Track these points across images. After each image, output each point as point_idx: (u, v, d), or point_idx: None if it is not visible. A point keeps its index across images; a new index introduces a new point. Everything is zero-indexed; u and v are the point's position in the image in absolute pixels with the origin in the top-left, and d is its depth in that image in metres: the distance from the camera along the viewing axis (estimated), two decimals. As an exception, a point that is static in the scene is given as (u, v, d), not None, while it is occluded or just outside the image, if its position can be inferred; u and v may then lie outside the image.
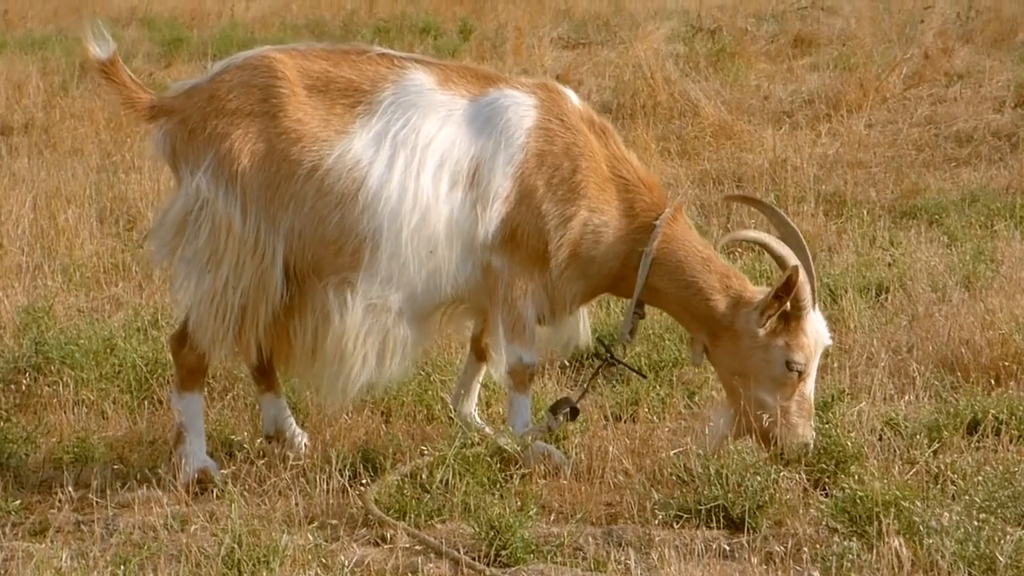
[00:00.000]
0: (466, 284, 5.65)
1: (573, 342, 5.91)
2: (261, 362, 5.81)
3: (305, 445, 5.84)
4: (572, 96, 5.82)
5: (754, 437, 5.52)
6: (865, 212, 9.23)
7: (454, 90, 5.65)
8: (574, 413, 5.81)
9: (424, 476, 5.36)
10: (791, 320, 5.52)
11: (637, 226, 5.69)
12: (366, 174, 5.50)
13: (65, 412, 6.26)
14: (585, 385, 6.10)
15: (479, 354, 6.04)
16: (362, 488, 5.35)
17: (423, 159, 5.53)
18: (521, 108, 5.65)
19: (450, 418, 5.96)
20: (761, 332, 5.54)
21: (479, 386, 6.12)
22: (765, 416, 5.52)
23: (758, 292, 5.63)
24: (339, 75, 5.62)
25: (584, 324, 5.95)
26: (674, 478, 5.44)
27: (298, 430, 5.93)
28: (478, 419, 6.03)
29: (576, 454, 5.73)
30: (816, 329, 5.57)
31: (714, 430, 5.65)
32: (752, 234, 5.93)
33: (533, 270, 5.64)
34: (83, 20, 5.62)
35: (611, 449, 5.73)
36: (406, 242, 5.49)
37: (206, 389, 6.46)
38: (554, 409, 5.80)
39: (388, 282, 5.54)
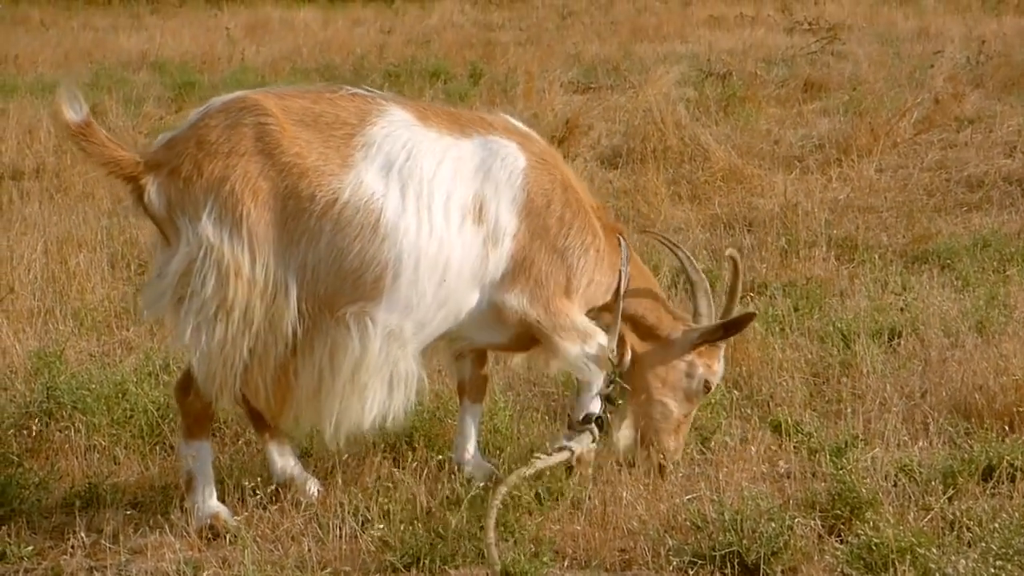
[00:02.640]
0: (469, 317, 5.72)
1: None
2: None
3: (317, 491, 5.83)
4: (534, 133, 6.04)
5: (641, 442, 6.06)
6: (877, 257, 9.22)
7: (436, 127, 5.69)
8: (599, 423, 5.99)
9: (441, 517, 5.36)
10: (712, 347, 6.13)
11: (611, 245, 6.03)
12: (382, 206, 5.46)
13: (77, 457, 6.24)
14: (604, 400, 6.05)
15: (471, 395, 6.13)
16: (375, 532, 5.33)
17: (431, 191, 5.55)
18: (510, 150, 5.75)
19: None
20: (691, 351, 6.09)
21: (478, 426, 6.17)
22: (663, 425, 6.08)
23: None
24: (322, 111, 5.58)
25: None
26: (688, 524, 5.42)
27: (309, 476, 5.91)
28: (483, 460, 6.07)
29: (590, 500, 5.71)
30: (723, 360, 6.22)
31: (623, 434, 6.06)
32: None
33: (564, 298, 5.84)
34: (59, 83, 5.50)
35: (625, 495, 5.72)
36: (425, 271, 5.51)
37: (218, 434, 6.48)
38: (585, 420, 5.97)
39: (405, 310, 5.54)
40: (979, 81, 15.53)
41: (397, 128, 5.60)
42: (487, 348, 6.04)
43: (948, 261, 9.14)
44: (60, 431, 6.45)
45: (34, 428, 6.42)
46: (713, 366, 6.13)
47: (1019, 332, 7.43)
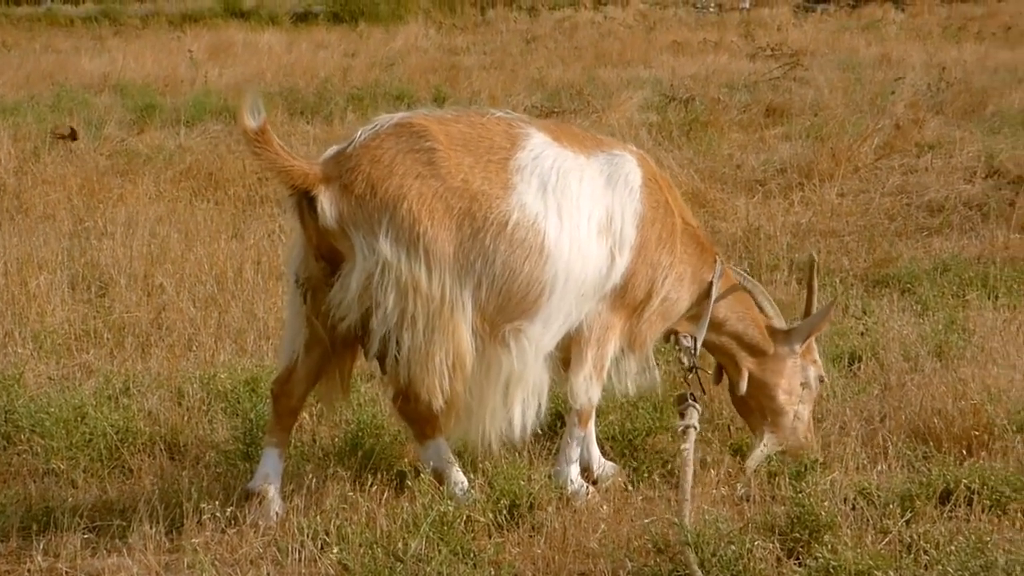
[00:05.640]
0: (580, 323, 5.98)
1: (646, 381, 6.36)
2: (296, 411, 5.97)
3: (277, 514, 5.81)
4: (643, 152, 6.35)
5: (790, 452, 6.36)
6: (838, 281, 9.25)
7: (568, 147, 5.92)
8: (693, 398, 6.34)
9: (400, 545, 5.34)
10: (808, 343, 6.47)
11: (704, 264, 6.28)
12: (545, 226, 5.70)
13: (35, 481, 6.21)
14: (691, 381, 6.36)
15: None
16: (333, 555, 5.31)
17: (579, 208, 5.80)
18: (631, 166, 6.05)
19: (419, 491, 5.94)
20: (798, 354, 6.42)
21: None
22: (800, 427, 6.42)
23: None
24: (477, 135, 5.77)
25: None
26: (648, 546, 5.42)
27: (279, 499, 5.88)
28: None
29: (549, 523, 5.71)
30: (816, 349, 6.57)
31: (757, 454, 6.31)
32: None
33: (623, 315, 6.06)
34: (241, 91, 5.62)
35: (585, 517, 5.72)
36: (571, 287, 5.77)
37: (176, 456, 6.46)
38: (681, 400, 6.36)
39: (547, 323, 5.79)
40: (939, 107, 15.62)
41: (542, 150, 5.83)
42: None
43: (908, 285, 9.19)
44: (18, 455, 6.42)
45: (-8, 451, 6.40)
46: (817, 359, 6.52)
47: (977, 357, 7.46)
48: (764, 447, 6.34)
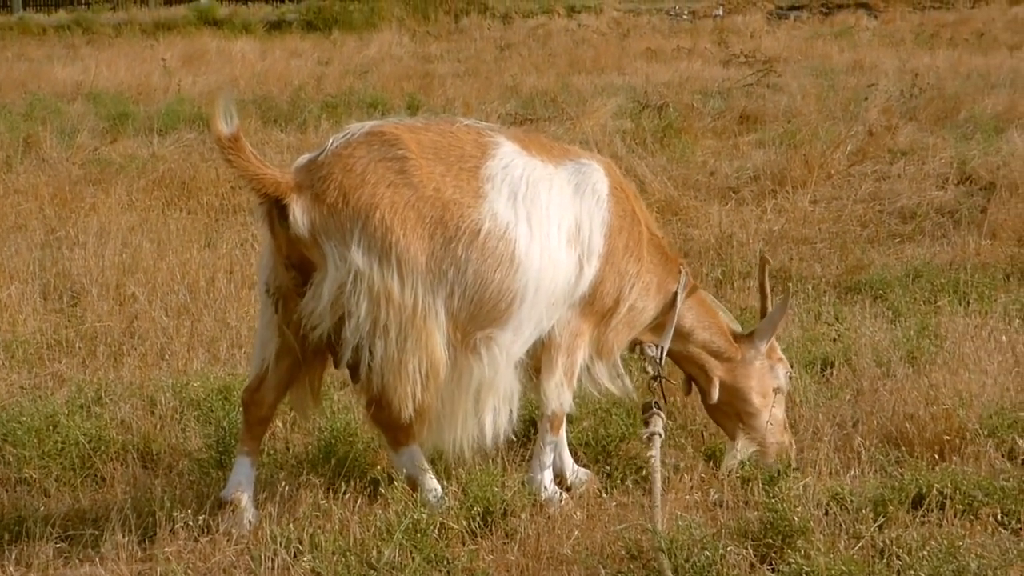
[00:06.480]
0: (550, 331, 6.00)
1: (619, 387, 6.38)
2: (267, 420, 5.95)
3: (250, 522, 5.80)
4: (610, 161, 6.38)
5: (766, 453, 6.41)
6: (810, 287, 9.27)
7: (537, 156, 5.94)
8: (657, 406, 6.37)
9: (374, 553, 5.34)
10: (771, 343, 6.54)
11: (668, 275, 6.31)
12: (516, 235, 5.72)
13: (7, 490, 6.20)
14: (655, 390, 6.36)
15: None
16: (306, 563, 5.30)
17: (549, 217, 5.82)
18: (599, 175, 6.07)
19: (392, 498, 5.94)
20: (764, 354, 6.48)
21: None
22: (777, 429, 6.44)
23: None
24: (448, 144, 5.78)
25: None
26: (622, 553, 5.43)
27: (253, 507, 5.87)
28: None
29: (523, 529, 5.71)
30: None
31: (736, 456, 6.35)
32: None
33: (591, 322, 6.09)
34: (216, 96, 5.59)
35: (559, 523, 5.72)
36: (542, 295, 5.79)
37: (150, 465, 6.45)
38: (646, 408, 6.38)
39: (517, 331, 5.80)
40: (912, 114, 15.66)
41: (512, 159, 5.85)
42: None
43: (880, 292, 9.20)
44: (-10, 464, 6.40)
45: (-37, 461, 6.38)
46: (781, 356, 6.59)
47: (949, 362, 7.47)
48: (741, 449, 6.36)
